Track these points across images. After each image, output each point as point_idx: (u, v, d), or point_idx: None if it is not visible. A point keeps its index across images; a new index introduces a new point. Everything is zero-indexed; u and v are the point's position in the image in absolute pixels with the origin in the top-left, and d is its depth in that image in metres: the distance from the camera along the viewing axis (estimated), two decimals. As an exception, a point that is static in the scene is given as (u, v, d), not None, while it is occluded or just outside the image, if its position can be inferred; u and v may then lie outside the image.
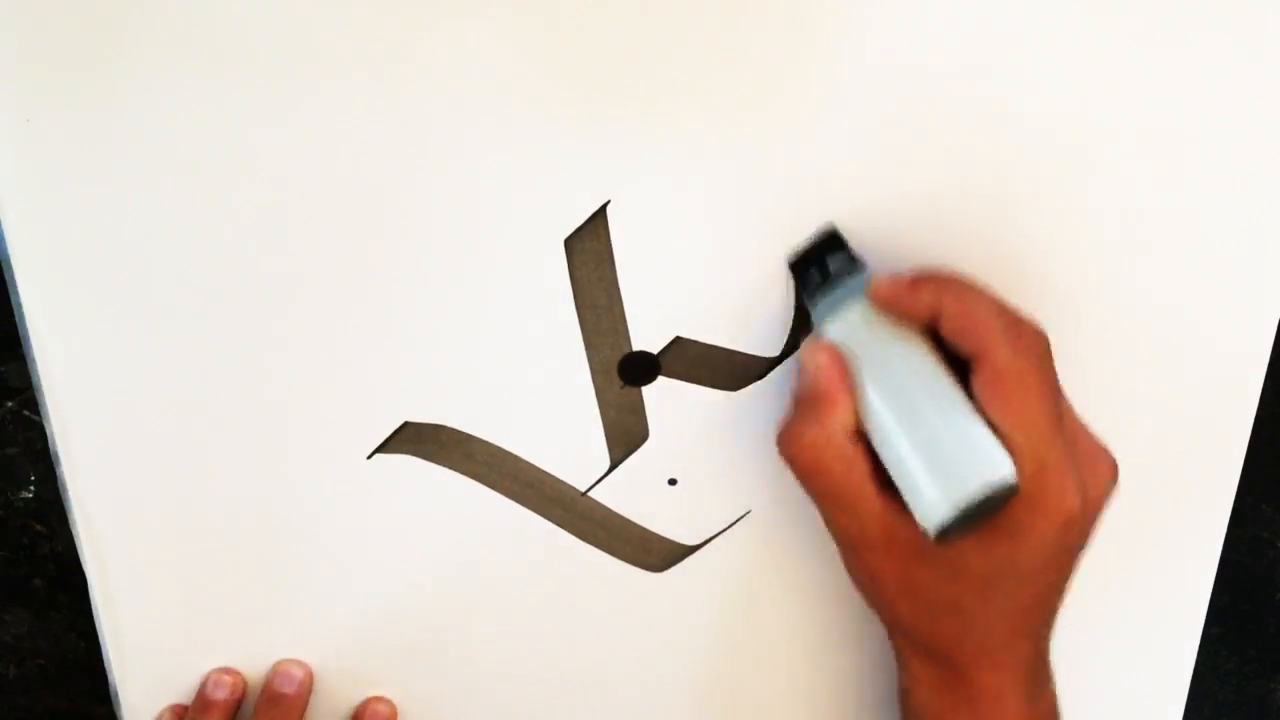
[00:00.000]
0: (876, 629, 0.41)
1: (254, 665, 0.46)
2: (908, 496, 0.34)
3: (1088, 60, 0.38)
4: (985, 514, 0.33)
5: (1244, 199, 0.40)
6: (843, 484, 0.35)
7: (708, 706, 0.48)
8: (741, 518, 0.45)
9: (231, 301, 0.40)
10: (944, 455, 0.34)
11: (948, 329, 0.35)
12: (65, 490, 0.43)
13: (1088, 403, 0.43)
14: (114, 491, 0.43)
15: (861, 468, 0.35)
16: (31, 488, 0.44)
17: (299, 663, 0.45)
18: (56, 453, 0.42)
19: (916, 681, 0.39)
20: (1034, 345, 0.35)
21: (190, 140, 0.38)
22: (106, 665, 0.45)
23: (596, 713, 0.48)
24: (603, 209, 0.40)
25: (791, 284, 0.41)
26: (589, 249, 0.40)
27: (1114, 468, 0.37)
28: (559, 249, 0.40)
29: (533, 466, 0.44)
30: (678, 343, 0.42)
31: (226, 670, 0.45)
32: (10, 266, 0.39)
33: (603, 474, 0.44)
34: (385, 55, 0.37)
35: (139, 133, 0.38)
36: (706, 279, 0.41)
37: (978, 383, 0.34)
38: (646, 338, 0.42)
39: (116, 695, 0.46)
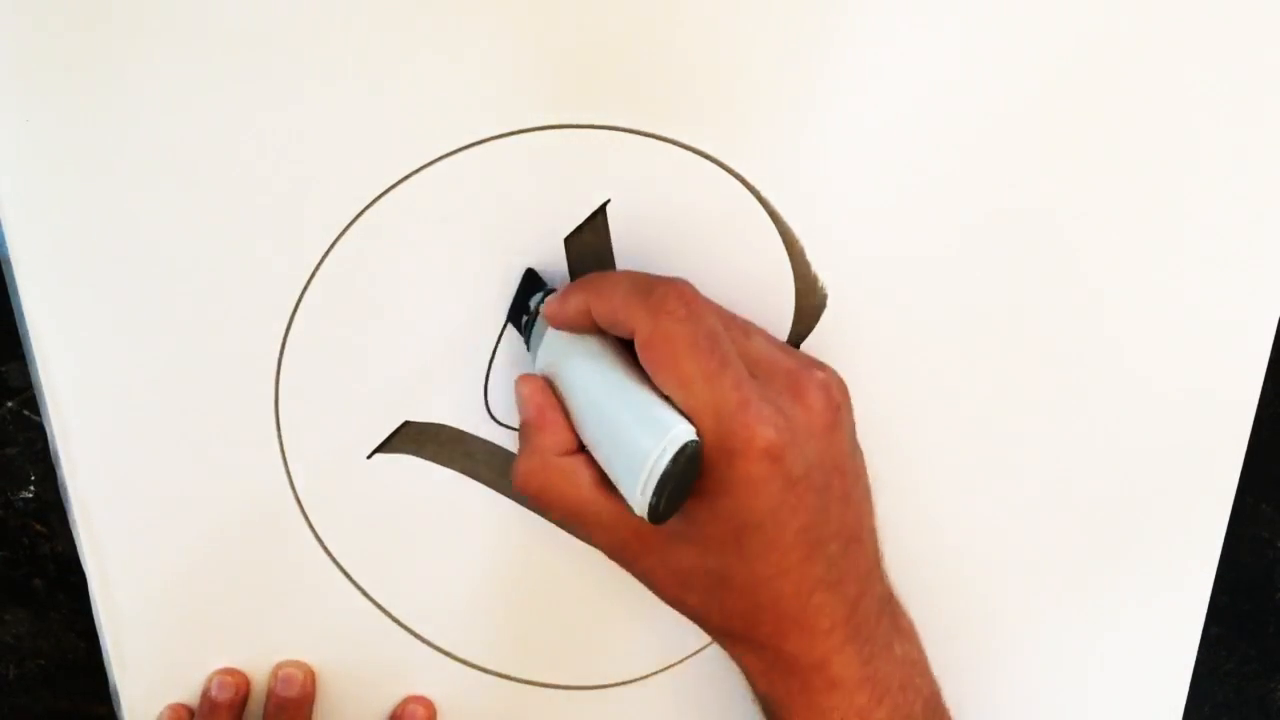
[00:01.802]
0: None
1: (255, 665, 0.46)
2: (621, 492, 0.35)
3: (1087, 59, 0.38)
4: (687, 480, 0.33)
5: (1244, 199, 0.40)
6: (570, 499, 0.36)
7: (709, 705, 0.48)
8: (741, 518, 0.45)
9: (232, 301, 0.40)
10: (627, 439, 0.34)
11: (602, 325, 0.36)
12: (65, 490, 0.43)
13: (1089, 402, 0.43)
14: (114, 491, 0.43)
15: (584, 478, 0.36)
16: (31, 488, 0.44)
17: (300, 664, 0.45)
18: (56, 453, 0.42)
19: (750, 676, 0.38)
20: (672, 303, 0.34)
21: (191, 140, 0.38)
22: (106, 665, 0.45)
23: (597, 712, 0.48)
24: (603, 209, 0.40)
25: (793, 285, 0.41)
26: (589, 248, 0.40)
27: (815, 370, 0.36)
28: (559, 248, 0.40)
29: (533, 466, 0.44)
30: (678, 343, 0.42)
31: (229, 671, 0.45)
32: (10, 266, 0.39)
33: (603, 474, 0.44)
34: (385, 54, 0.37)
35: (139, 132, 0.38)
36: (706, 279, 0.41)
37: (640, 360, 0.35)
38: (647, 338, 0.42)
39: (116, 695, 0.46)
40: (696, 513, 0.34)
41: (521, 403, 0.38)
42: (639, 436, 0.34)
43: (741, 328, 0.37)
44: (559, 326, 0.38)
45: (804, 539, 0.34)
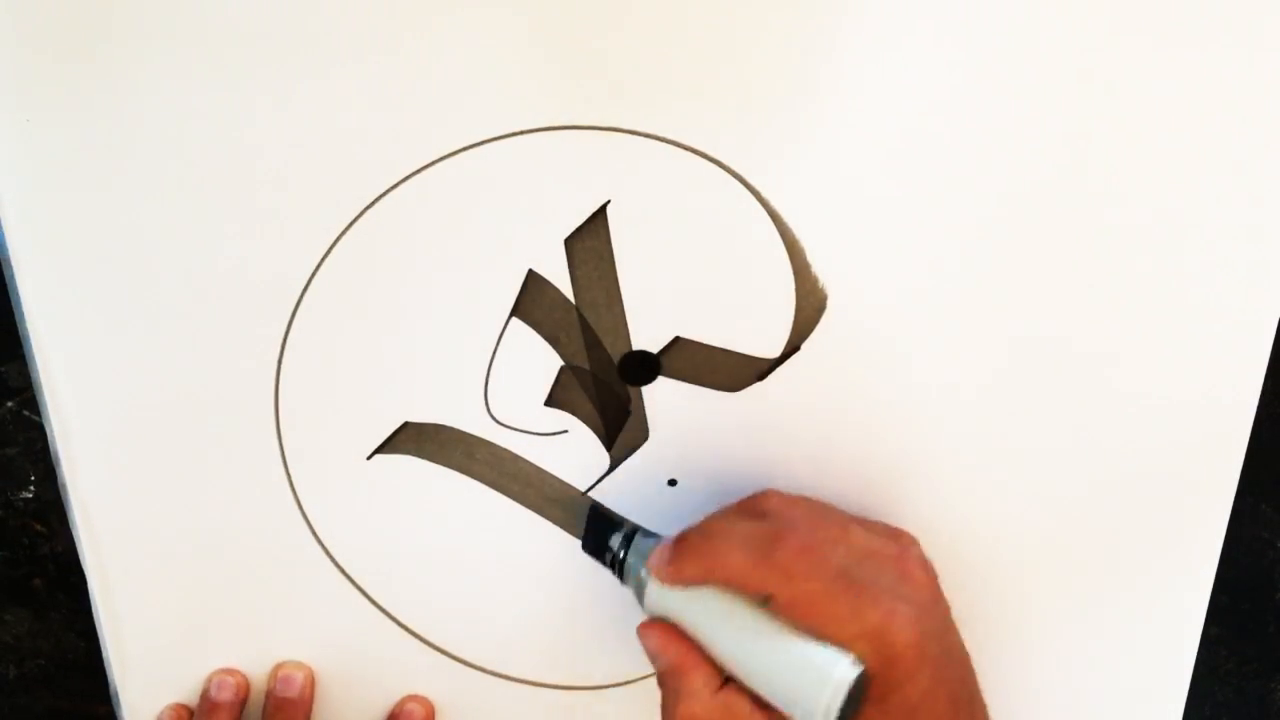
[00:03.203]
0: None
1: (254, 666, 0.46)
2: (793, 716, 0.37)
3: (1087, 60, 0.38)
4: (858, 704, 0.36)
5: (1244, 199, 0.40)
6: None
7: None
8: (741, 518, 0.45)
9: (232, 301, 0.40)
10: (795, 678, 0.36)
11: (724, 587, 0.38)
12: (65, 490, 0.43)
13: (1089, 401, 0.43)
14: (114, 491, 0.43)
15: (744, 707, 0.37)
16: (31, 488, 0.44)
17: (299, 664, 0.45)
18: (56, 453, 0.42)
19: None
20: (799, 563, 0.36)
21: (190, 139, 0.38)
22: (106, 665, 0.45)
23: (597, 712, 0.48)
24: (603, 209, 0.40)
25: (793, 285, 0.41)
26: (589, 249, 0.40)
27: (907, 545, 0.39)
28: (559, 249, 0.40)
29: (533, 466, 0.44)
30: (678, 343, 0.42)
31: (229, 671, 0.45)
32: (10, 266, 0.39)
33: (603, 474, 0.44)
34: (386, 55, 0.37)
35: (139, 132, 0.38)
36: (706, 279, 0.41)
37: (777, 615, 0.37)
38: (646, 338, 0.42)
39: (116, 695, 0.46)
40: (871, 715, 0.36)
41: (655, 653, 0.39)
42: (806, 676, 0.36)
43: (840, 524, 0.39)
44: (677, 586, 0.38)
45: (952, 703, 0.37)
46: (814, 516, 0.39)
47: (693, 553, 0.38)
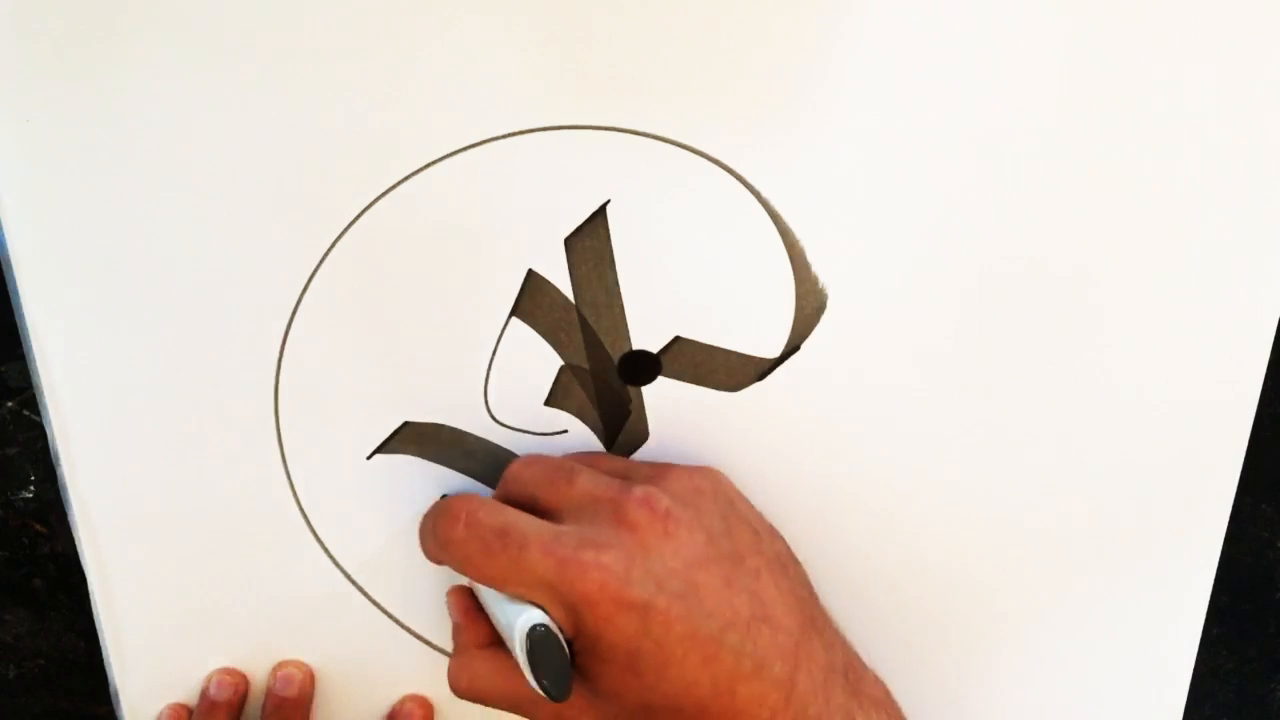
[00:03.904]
0: (876, 628, 0.41)
1: (255, 665, 0.46)
2: None
3: (1088, 61, 0.38)
4: (556, 656, 0.35)
5: (1244, 199, 0.40)
6: (497, 687, 0.38)
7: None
8: (741, 518, 0.45)
9: (232, 301, 0.40)
10: (507, 637, 0.37)
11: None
12: (65, 490, 0.43)
13: (1089, 402, 0.43)
14: (114, 491, 0.43)
15: (489, 666, 0.39)
16: (31, 488, 0.44)
17: (299, 664, 0.45)
18: (56, 453, 0.42)
19: None
20: (453, 530, 0.37)
21: (191, 139, 0.38)
22: (106, 665, 0.45)
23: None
24: (603, 209, 0.40)
25: (793, 285, 0.41)
26: (589, 249, 0.40)
27: (648, 493, 0.37)
28: (559, 248, 0.40)
29: (533, 466, 0.44)
30: (678, 343, 0.42)
31: (228, 671, 0.45)
32: (10, 266, 0.39)
33: (603, 474, 0.44)
34: (386, 55, 0.37)
35: (139, 133, 0.38)
36: (706, 279, 0.41)
37: None
38: (646, 338, 0.42)
39: (116, 695, 0.46)
40: (591, 667, 0.36)
41: (449, 609, 0.41)
42: (506, 632, 0.36)
43: (567, 474, 0.39)
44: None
45: (694, 644, 0.35)
46: (538, 475, 0.39)
47: (419, 532, 0.41)
